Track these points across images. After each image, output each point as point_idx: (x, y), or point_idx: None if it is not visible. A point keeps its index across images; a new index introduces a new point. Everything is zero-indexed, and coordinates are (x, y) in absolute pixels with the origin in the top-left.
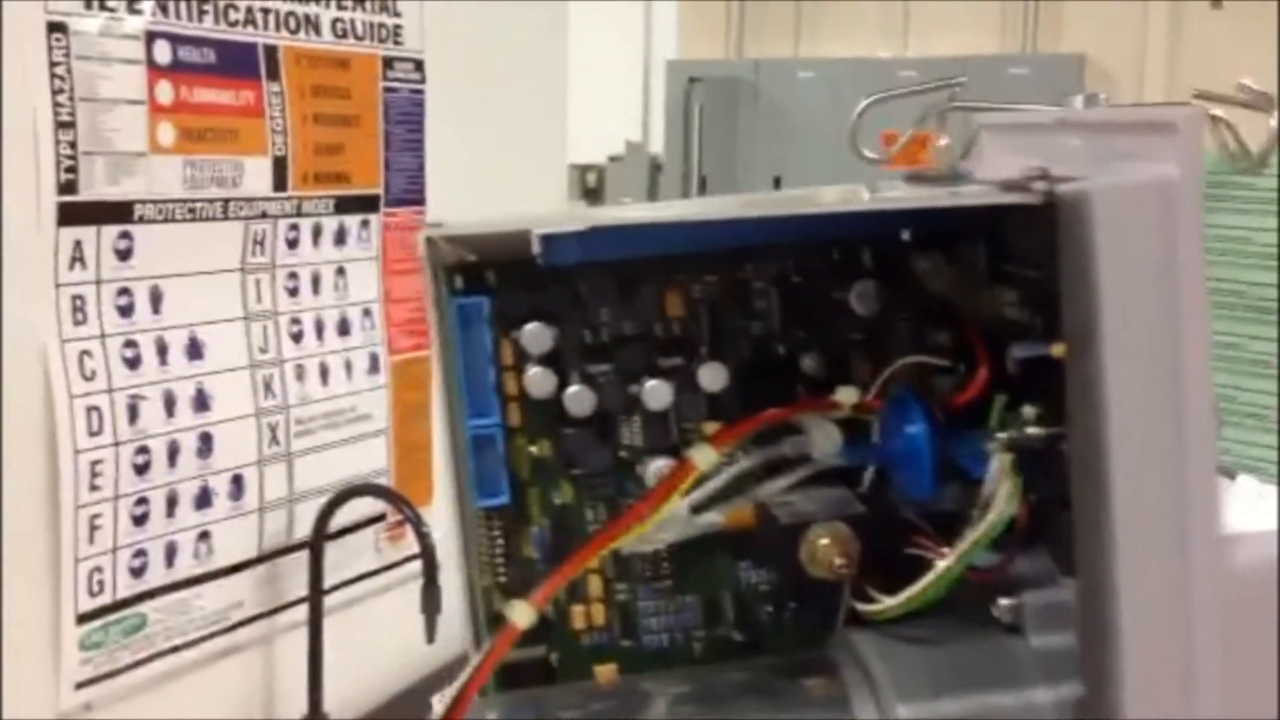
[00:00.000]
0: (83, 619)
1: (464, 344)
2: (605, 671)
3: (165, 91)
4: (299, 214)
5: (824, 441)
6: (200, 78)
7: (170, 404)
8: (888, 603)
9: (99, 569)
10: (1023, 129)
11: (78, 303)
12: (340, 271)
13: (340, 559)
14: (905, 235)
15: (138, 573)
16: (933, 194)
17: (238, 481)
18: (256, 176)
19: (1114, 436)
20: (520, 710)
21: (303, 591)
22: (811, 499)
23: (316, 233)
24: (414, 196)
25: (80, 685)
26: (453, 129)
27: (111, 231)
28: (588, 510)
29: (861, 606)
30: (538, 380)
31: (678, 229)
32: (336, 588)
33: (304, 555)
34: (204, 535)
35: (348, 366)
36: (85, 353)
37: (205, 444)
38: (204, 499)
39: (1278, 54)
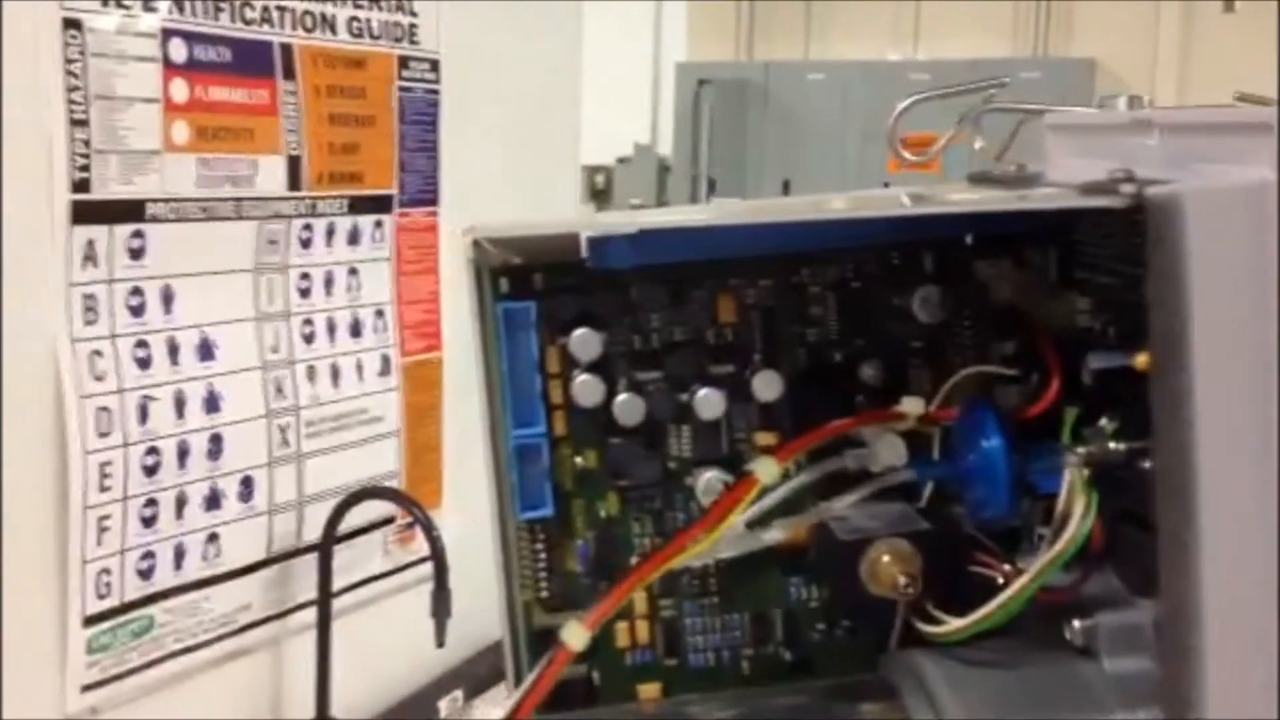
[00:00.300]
0: (90, 621)
1: (509, 350)
2: (649, 691)
3: (180, 90)
4: (313, 214)
5: (888, 454)
6: (215, 76)
7: (181, 405)
8: (955, 624)
9: (107, 570)
10: (1092, 130)
11: (89, 302)
12: (353, 272)
13: (349, 561)
14: (968, 240)
15: (146, 574)
16: (1007, 197)
17: (247, 483)
18: (270, 176)
19: (1203, 452)
20: None
21: (312, 594)
22: (871, 514)
23: (330, 233)
24: (428, 197)
25: (87, 688)
26: (467, 130)
27: (124, 230)
28: (634, 524)
29: (925, 628)
30: (585, 388)
31: (732, 232)
32: (345, 590)
33: (313, 557)
34: (213, 537)
35: (359, 368)
36: (96, 352)
37: (215, 445)
38: (213, 500)
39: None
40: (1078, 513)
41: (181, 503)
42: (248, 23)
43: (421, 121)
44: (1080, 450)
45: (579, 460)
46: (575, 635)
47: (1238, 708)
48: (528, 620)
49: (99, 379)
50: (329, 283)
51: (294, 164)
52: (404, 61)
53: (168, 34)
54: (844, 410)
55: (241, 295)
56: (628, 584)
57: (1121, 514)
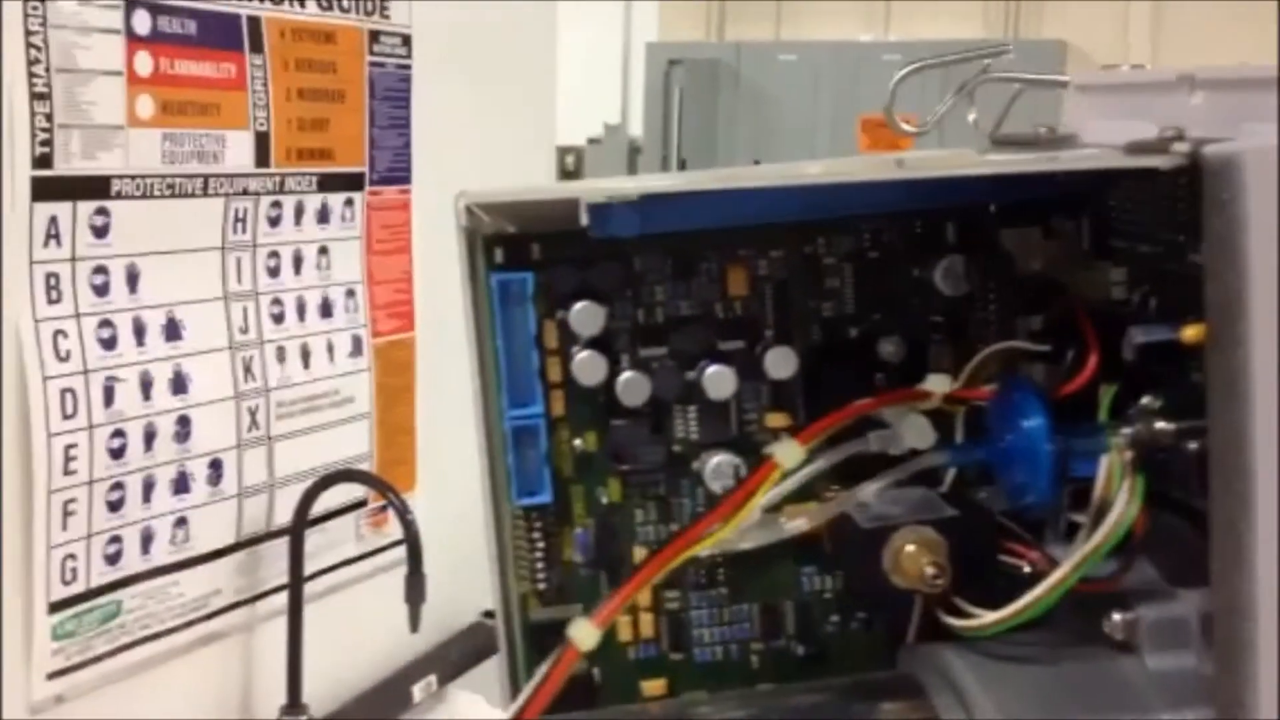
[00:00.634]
0: (55, 607)
1: (504, 324)
2: (653, 687)
3: (144, 63)
4: (281, 191)
5: (913, 436)
6: (181, 49)
7: (147, 386)
8: (989, 618)
9: (72, 556)
10: (1127, 90)
11: (52, 280)
12: (323, 251)
13: (321, 545)
14: (993, 207)
15: (113, 560)
16: (1045, 158)
17: (216, 466)
18: (238, 152)
19: (1261, 433)
20: None
21: (283, 579)
22: (892, 500)
23: (299, 211)
24: (399, 175)
25: (52, 675)
26: (440, 107)
27: (88, 207)
28: (637, 511)
29: (953, 622)
30: (586, 365)
31: (744, 197)
32: (317, 575)
33: (284, 542)
34: (181, 521)
35: (330, 349)
36: (60, 332)
37: (183, 427)
38: (182, 484)
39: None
40: (1122, 498)
41: (149, 486)
42: None
43: (393, 98)
44: (1126, 431)
45: (579, 443)
46: (584, 634)
47: None
48: (524, 613)
49: (63, 359)
50: (298, 262)
51: (262, 140)
52: (375, 36)
53: (131, 5)
54: (861, 389)
55: (209, 274)
56: (641, 576)
57: (1160, 499)
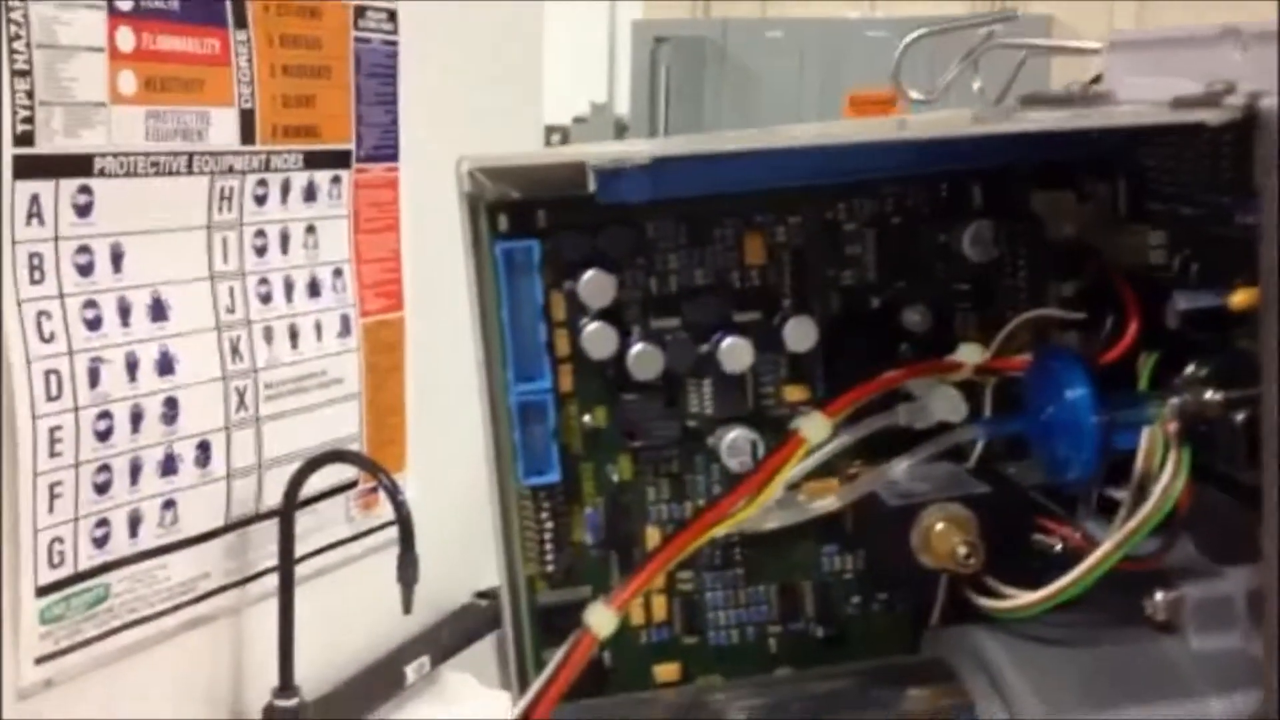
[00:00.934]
0: (42, 591)
1: (509, 295)
2: (667, 672)
3: (126, 38)
4: (267, 169)
5: (944, 409)
6: (163, 24)
7: (133, 367)
8: (1026, 598)
9: (59, 539)
10: (1164, 45)
11: (35, 260)
12: (310, 230)
13: (311, 527)
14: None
15: (100, 543)
16: (1084, 115)
17: (204, 448)
18: (222, 129)
19: None
20: None
21: (273, 561)
22: (918, 477)
23: (285, 189)
24: (386, 153)
25: (41, 659)
26: (427, 84)
27: (70, 185)
28: (649, 489)
29: (986, 602)
30: (595, 338)
31: (759, 161)
32: (308, 556)
33: (274, 523)
34: (169, 504)
35: (318, 328)
36: (43, 313)
37: (170, 409)
38: (169, 466)
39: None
40: (1168, 471)
41: (136, 468)
42: None
43: (379, 74)
44: (1174, 401)
45: (588, 419)
46: (602, 619)
47: None
48: (531, 596)
49: (47, 340)
50: (285, 240)
51: (247, 117)
52: (360, 11)
53: None
54: (883, 361)
55: (195, 253)
56: (663, 557)
57: (1204, 472)
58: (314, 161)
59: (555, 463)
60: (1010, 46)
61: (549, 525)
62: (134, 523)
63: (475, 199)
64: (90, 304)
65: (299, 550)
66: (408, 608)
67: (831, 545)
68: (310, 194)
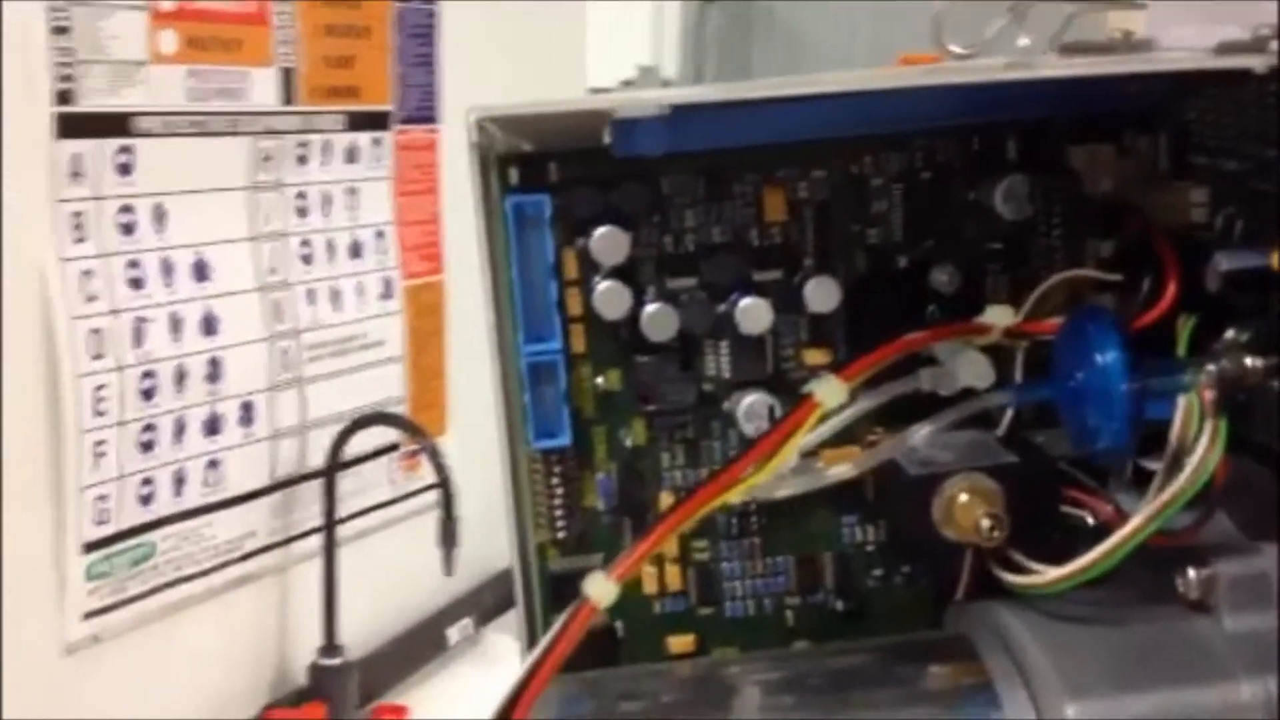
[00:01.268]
0: (89, 548)
1: (519, 252)
2: (681, 644)
3: None
4: (308, 130)
5: (969, 374)
6: None
7: (177, 327)
8: (1052, 574)
9: (104, 497)
10: None
11: (77, 220)
12: (351, 191)
13: (354, 488)
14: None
15: (145, 501)
16: (1124, 60)
17: (248, 408)
18: (263, 89)
19: None
20: (575, 703)
21: (316, 521)
22: (942, 445)
23: (326, 150)
24: (426, 114)
25: (88, 615)
26: (468, 45)
27: (111, 145)
28: (664, 454)
29: (1010, 578)
30: (608, 297)
31: (781, 111)
32: (351, 517)
33: (317, 484)
34: (214, 463)
35: (360, 291)
36: (86, 272)
37: (214, 369)
38: (213, 426)
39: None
40: (1203, 442)
41: (180, 428)
42: None
43: (420, 34)
44: (1211, 368)
45: (600, 381)
46: (601, 589)
47: None
48: (542, 563)
49: (90, 300)
50: (327, 202)
51: (287, 77)
52: None
53: None
54: (910, 323)
55: (236, 214)
56: (666, 525)
57: (1241, 444)
58: (355, 123)
59: (566, 426)
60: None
61: (560, 490)
62: (178, 481)
63: (485, 150)
64: (133, 263)
65: (342, 511)
66: (449, 570)
67: (852, 516)
68: (351, 156)
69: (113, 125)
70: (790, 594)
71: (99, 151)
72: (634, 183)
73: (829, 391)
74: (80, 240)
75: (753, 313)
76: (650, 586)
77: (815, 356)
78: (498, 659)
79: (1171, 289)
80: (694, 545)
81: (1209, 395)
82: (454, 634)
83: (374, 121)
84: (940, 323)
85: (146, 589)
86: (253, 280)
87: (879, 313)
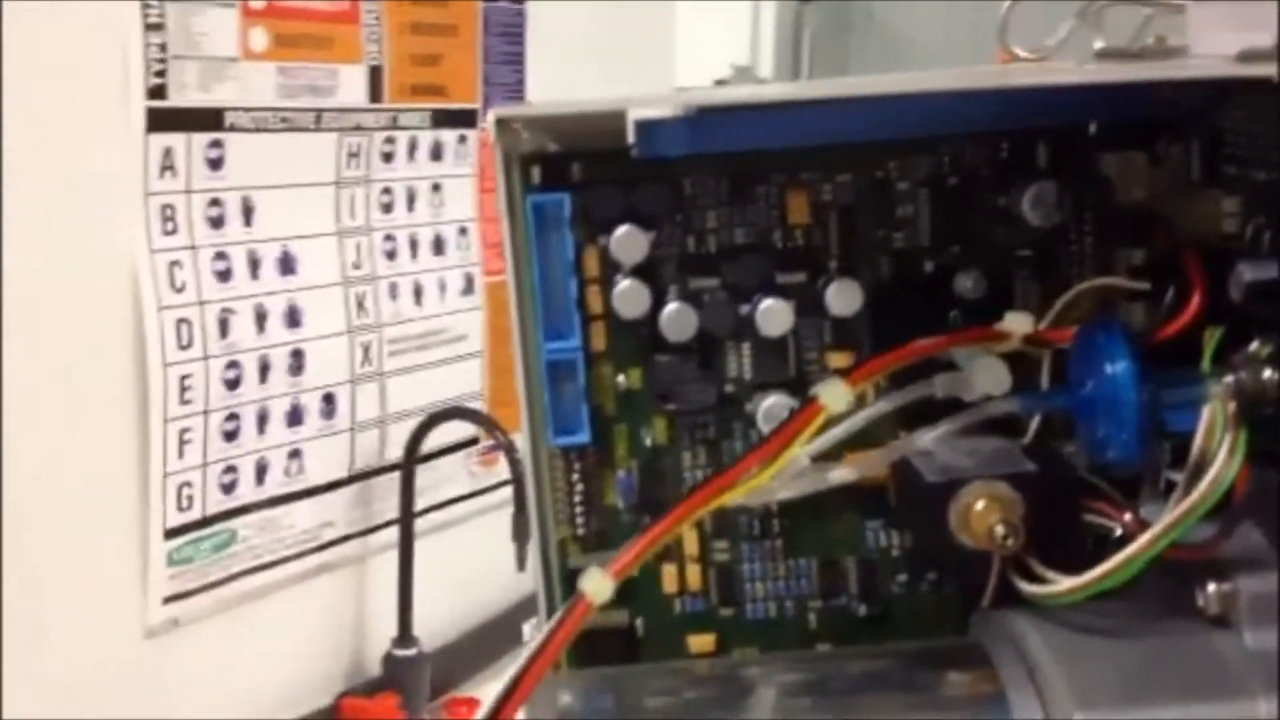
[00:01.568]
0: (171, 534)
1: (540, 250)
2: (701, 643)
3: None
4: (394, 126)
5: (986, 380)
6: None
7: (262, 319)
8: (1067, 584)
9: (188, 484)
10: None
11: (167, 212)
12: (436, 188)
13: (432, 481)
14: (1092, 129)
15: (228, 489)
16: (1151, 67)
17: (329, 400)
18: (351, 86)
19: None
20: (595, 699)
21: (394, 513)
22: (962, 451)
23: (412, 147)
24: None
25: (168, 600)
26: (555, 44)
27: (202, 139)
28: (685, 454)
29: (1027, 587)
30: (629, 296)
31: (806, 114)
32: (428, 510)
33: (395, 477)
34: (295, 453)
35: (442, 286)
36: (175, 264)
37: (297, 361)
38: (295, 416)
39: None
40: (1222, 453)
41: (263, 418)
42: None
43: (507, 33)
44: (1228, 379)
45: (621, 380)
46: (598, 585)
47: None
48: (562, 560)
49: (178, 290)
50: (411, 198)
51: (375, 74)
52: None
53: None
54: (934, 329)
55: (323, 209)
56: (662, 526)
57: (1265, 456)
58: (440, 120)
59: (585, 423)
60: (1131, 1)
61: (580, 488)
62: (261, 470)
63: (510, 150)
64: (221, 255)
65: (419, 504)
66: (522, 565)
67: (876, 520)
68: (436, 153)
69: (204, 120)
70: (813, 597)
71: (190, 146)
72: (655, 183)
73: (833, 395)
74: (170, 232)
75: (774, 314)
76: (670, 585)
77: (838, 359)
78: None
79: (1195, 300)
80: (715, 546)
81: (1229, 407)
82: (528, 630)
83: (460, 119)
84: (964, 329)
85: (226, 575)
86: (337, 274)
87: (903, 317)
